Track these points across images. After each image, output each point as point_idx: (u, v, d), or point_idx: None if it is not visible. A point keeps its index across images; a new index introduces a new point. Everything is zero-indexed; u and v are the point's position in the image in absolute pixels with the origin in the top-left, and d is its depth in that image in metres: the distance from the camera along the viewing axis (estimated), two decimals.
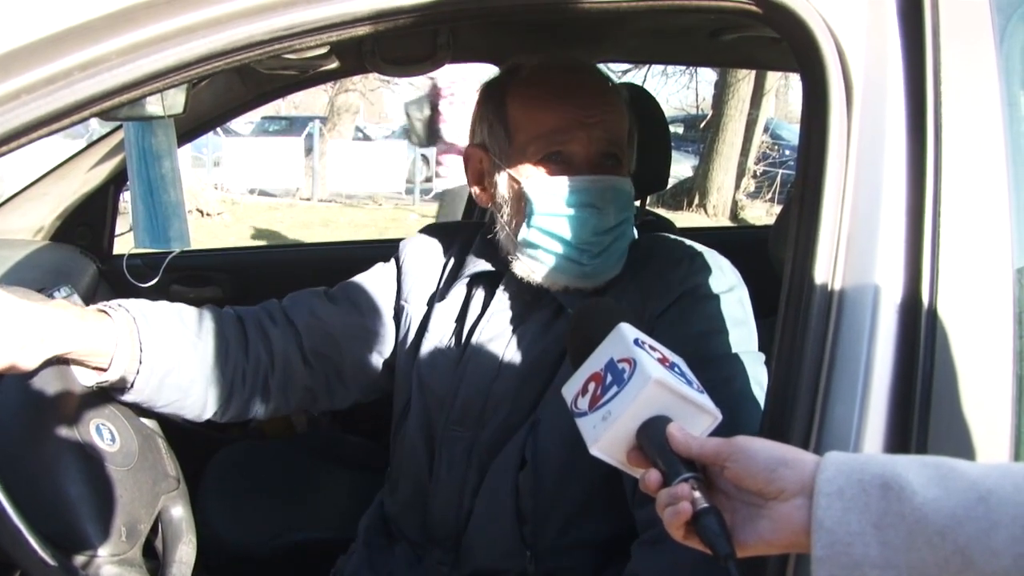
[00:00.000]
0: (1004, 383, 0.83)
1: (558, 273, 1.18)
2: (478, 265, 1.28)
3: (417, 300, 1.33)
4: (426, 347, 1.28)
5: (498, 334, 1.23)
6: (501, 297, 1.25)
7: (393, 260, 1.39)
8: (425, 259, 1.36)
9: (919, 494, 0.63)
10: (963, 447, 0.82)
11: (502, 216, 1.23)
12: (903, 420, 0.83)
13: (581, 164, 1.17)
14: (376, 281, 1.37)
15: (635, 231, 1.27)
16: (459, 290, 1.29)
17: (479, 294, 1.28)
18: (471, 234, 1.35)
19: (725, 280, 1.18)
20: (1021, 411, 0.84)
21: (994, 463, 0.67)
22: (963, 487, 0.63)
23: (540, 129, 1.18)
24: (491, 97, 1.25)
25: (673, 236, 1.27)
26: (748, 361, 1.11)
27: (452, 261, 1.34)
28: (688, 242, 1.24)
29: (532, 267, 1.19)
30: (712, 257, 1.20)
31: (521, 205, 1.19)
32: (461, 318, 1.28)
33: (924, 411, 0.82)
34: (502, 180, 1.21)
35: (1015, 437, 0.83)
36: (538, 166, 1.17)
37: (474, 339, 1.24)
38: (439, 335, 1.28)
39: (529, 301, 1.23)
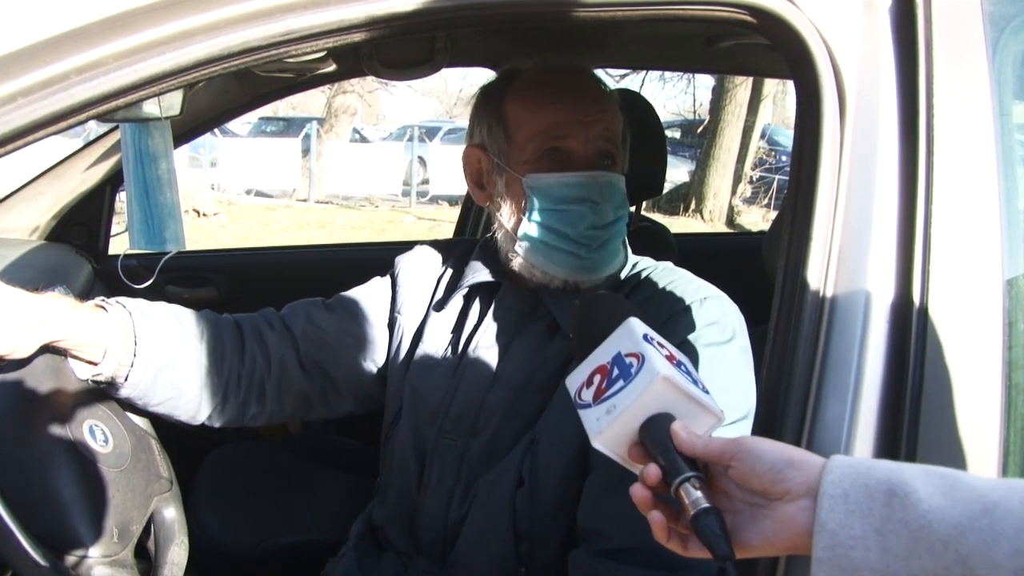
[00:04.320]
0: (993, 393, 0.84)
1: (557, 267, 1.19)
2: (477, 275, 1.28)
3: (410, 312, 1.34)
4: (420, 357, 1.29)
5: (494, 344, 1.24)
6: (498, 308, 1.26)
7: (389, 274, 1.40)
8: (420, 272, 1.37)
9: (924, 502, 0.63)
10: (952, 456, 0.82)
11: (501, 214, 1.25)
12: (893, 429, 0.83)
13: (579, 162, 1.19)
14: (372, 293, 1.38)
15: (629, 249, 1.27)
16: (456, 301, 1.30)
17: (476, 305, 1.29)
18: (468, 248, 1.37)
19: (728, 329, 1.15)
20: (1010, 421, 0.84)
21: (999, 478, 0.66)
22: (969, 498, 0.62)
23: (539, 126, 1.20)
24: (490, 99, 1.27)
25: (683, 273, 1.24)
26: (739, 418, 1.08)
27: (448, 273, 1.36)
28: (698, 284, 1.21)
29: (532, 261, 1.20)
30: (718, 304, 1.18)
31: (521, 201, 1.21)
32: (458, 328, 1.29)
33: (914, 420, 0.82)
34: (501, 178, 1.24)
35: (1003, 447, 0.83)
36: (537, 163, 1.20)
37: (470, 349, 1.25)
38: (435, 345, 1.29)
39: (526, 312, 1.24)
